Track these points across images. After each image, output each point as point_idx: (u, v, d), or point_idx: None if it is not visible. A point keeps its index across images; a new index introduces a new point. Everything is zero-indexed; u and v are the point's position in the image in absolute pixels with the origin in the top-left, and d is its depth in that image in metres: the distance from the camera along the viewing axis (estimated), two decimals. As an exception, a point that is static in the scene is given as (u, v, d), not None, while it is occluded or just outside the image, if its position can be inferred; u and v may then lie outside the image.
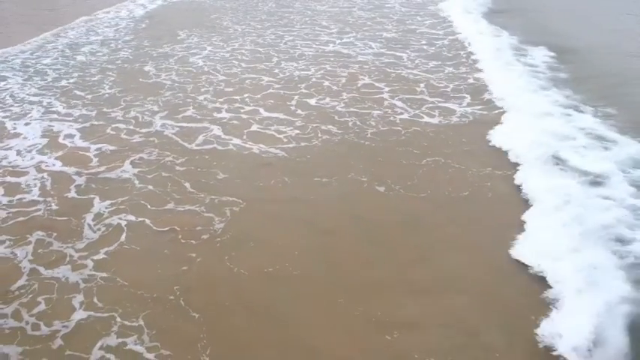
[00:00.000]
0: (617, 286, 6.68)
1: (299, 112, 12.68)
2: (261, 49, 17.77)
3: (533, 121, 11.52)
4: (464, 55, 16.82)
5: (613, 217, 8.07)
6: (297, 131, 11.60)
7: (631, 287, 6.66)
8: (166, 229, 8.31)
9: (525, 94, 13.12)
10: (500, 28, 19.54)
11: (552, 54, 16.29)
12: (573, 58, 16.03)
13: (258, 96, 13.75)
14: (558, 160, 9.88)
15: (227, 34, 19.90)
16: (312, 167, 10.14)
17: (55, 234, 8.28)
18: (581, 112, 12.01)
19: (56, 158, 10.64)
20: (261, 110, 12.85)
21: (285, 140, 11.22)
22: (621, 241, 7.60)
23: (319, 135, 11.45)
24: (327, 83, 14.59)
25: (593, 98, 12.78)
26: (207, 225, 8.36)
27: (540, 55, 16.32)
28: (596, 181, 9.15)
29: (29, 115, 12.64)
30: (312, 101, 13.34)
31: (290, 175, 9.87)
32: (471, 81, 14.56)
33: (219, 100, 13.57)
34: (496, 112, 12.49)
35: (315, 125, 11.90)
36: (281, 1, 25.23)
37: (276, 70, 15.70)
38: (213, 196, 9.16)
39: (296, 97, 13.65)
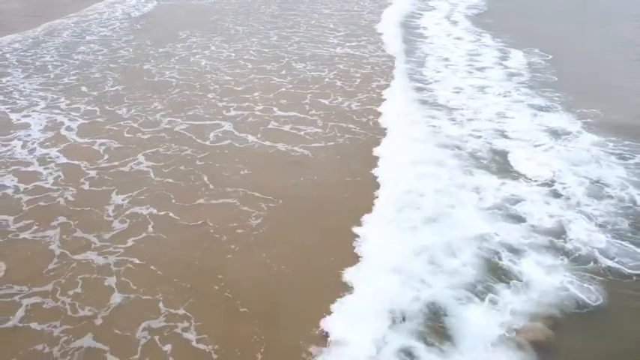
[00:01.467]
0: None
1: (315, 111, 13.32)
2: (267, 50, 18.50)
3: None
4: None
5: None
6: (318, 130, 12.23)
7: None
8: (199, 222, 8.83)
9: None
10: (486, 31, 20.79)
11: (537, 57, 17.48)
12: (559, 60, 17.14)
13: (270, 95, 14.40)
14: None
15: (229, 34, 20.62)
16: (342, 166, 10.70)
17: (77, 221, 8.82)
18: (551, 111, 13.13)
19: (64, 152, 11.20)
20: (275, 109, 13.47)
21: (308, 139, 11.83)
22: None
23: (339, 134, 12.05)
24: (339, 83, 15.26)
25: (571, 100, 13.79)
26: (242, 220, 8.89)
27: (522, 57, 17.46)
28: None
29: (35, 110, 13.22)
30: (326, 101, 13.97)
31: (320, 174, 10.43)
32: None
33: (227, 98, 14.24)
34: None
35: (332, 124, 12.52)
36: (284, 4, 26.06)
37: (284, 71, 16.38)
38: (242, 192, 9.71)
39: (309, 96, 14.28)
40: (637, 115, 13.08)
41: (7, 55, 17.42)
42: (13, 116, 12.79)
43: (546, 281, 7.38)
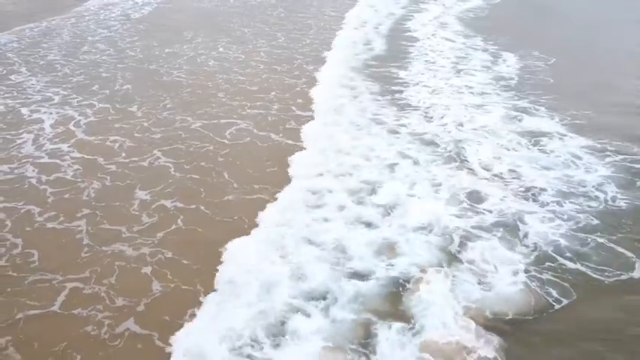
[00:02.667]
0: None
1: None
2: (278, 51, 18.87)
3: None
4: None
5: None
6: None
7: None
8: (235, 217, 9.17)
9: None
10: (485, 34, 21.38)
11: (536, 60, 18.03)
12: (561, 63, 17.66)
13: (287, 95, 14.74)
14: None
15: (236, 36, 21.00)
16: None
17: (103, 214, 9.16)
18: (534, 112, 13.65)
19: (80, 148, 11.52)
20: (294, 108, 13.82)
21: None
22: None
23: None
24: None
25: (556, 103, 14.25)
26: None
27: (516, 59, 18.03)
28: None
29: (47, 107, 13.57)
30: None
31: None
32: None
33: (240, 97, 14.60)
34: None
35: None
36: (289, 7, 26.52)
37: (298, 72, 16.78)
38: (272, 189, 10.04)
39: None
40: (631, 117, 13.48)
41: (9, 54, 17.71)
42: (25, 112, 13.13)
43: (504, 277, 7.74)
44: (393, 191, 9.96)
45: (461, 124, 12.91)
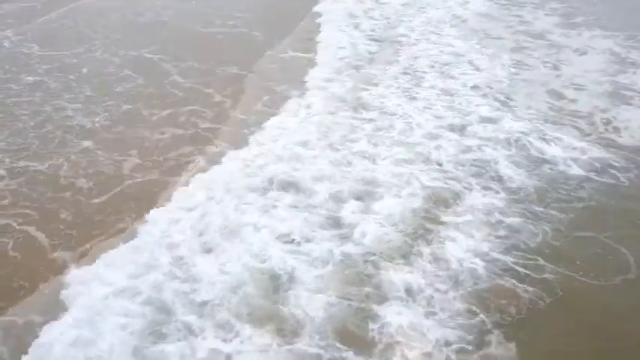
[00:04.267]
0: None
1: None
2: (301, 54, 19.03)
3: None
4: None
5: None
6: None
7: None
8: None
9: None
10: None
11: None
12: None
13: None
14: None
15: (248, 41, 21.02)
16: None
17: (148, 205, 9.62)
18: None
19: (104, 145, 12.03)
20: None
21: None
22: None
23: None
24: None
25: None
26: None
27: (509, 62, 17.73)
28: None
29: (72, 104, 14.02)
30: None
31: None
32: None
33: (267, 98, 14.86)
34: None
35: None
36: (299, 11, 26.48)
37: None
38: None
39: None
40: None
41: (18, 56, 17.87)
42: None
43: (476, 273, 7.90)
44: (352, 184, 10.24)
45: (439, 125, 12.90)
